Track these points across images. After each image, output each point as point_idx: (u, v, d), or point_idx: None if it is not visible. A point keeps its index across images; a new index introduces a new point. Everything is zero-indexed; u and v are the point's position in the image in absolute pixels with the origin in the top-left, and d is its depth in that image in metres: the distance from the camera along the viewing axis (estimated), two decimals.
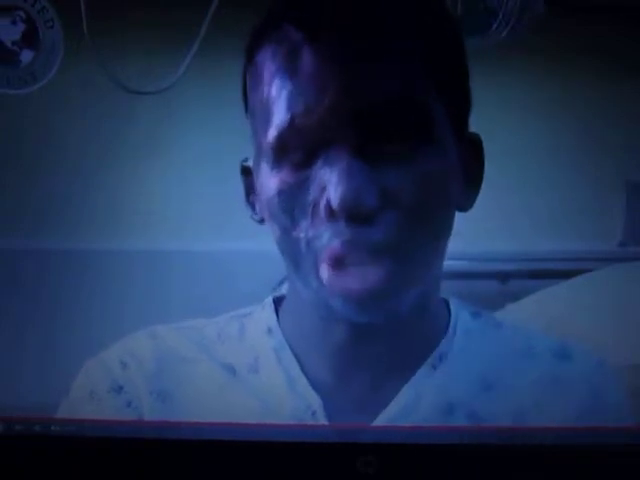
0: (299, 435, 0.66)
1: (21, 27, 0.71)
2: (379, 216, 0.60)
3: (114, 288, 0.76)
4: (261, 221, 0.67)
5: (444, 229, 0.65)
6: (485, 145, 0.69)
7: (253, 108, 0.65)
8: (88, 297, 0.76)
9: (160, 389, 0.69)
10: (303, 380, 0.67)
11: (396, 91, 0.60)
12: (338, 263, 0.61)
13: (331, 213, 0.60)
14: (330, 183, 0.60)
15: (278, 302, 0.71)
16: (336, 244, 0.61)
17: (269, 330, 0.70)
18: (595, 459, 0.66)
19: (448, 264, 0.82)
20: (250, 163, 0.67)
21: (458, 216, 0.71)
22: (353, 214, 0.60)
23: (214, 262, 0.76)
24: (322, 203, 0.61)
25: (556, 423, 0.67)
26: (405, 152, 0.61)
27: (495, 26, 0.72)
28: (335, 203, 0.59)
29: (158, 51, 0.75)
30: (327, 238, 0.61)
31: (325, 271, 0.61)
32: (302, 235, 0.62)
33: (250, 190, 0.68)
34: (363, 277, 0.61)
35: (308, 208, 0.62)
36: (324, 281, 0.62)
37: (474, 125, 0.69)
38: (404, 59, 0.61)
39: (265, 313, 0.71)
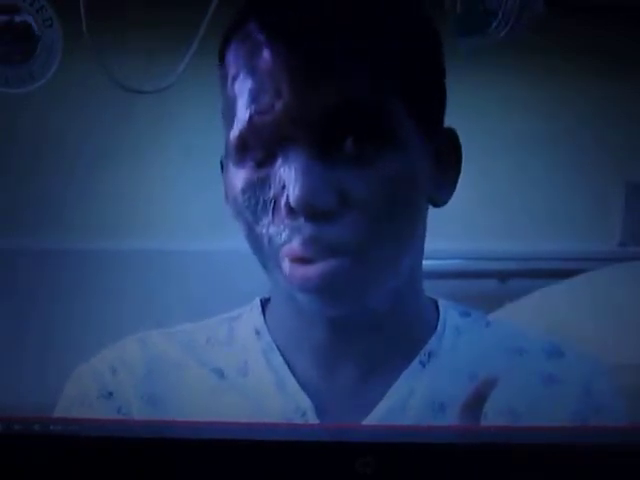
0: (297, 435, 0.66)
1: (20, 26, 0.71)
2: (338, 215, 0.61)
3: (112, 287, 0.76)
4: None
5: (408, 228, 0.65)
6: (484, 145, 0.69)
7: (223, 107, 0.66)
8: (85, 296, 0.76)
9: (150, 394, 0.69)
10: (292, 381, 0.68)
11: (350, 98, 0.61)
12: (298, 259, 0.61)
13: (290, 210, 0.61)
14: (289, 181, 0.60)
15: (265, 303, 0.72)
16: (296, 241, 0.61)
17: (257, 332, 0.70)
18: (595, 459, 0.66)
19: (448, 264, 0.82)
20: None
21: (459, 216, 0.71)
22: (311, 212, 0.60)
23: (212, 262, 0.76)
24: (282, 201, 0.62)
25: (549, 420, 0.67)
26: (363, 154, 0.61)
27: (494, 26, 0.72)
28: (293, 201, 0.60)
29: (158, 50, 0.75)
30: (287, 235, 0.62)
31: (287, 266, 0.62)
32: (264, 231, 0.63)
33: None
34: (322, 273, 0.61)
35: (269, 205, 0.62)
36: (286, 276, 0.62)
37: (473, 124, 0.69)
38: (361, 66, 0.61)
39: (252, 315, 0.71)
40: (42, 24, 0.71)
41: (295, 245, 0.62)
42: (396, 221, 0.63)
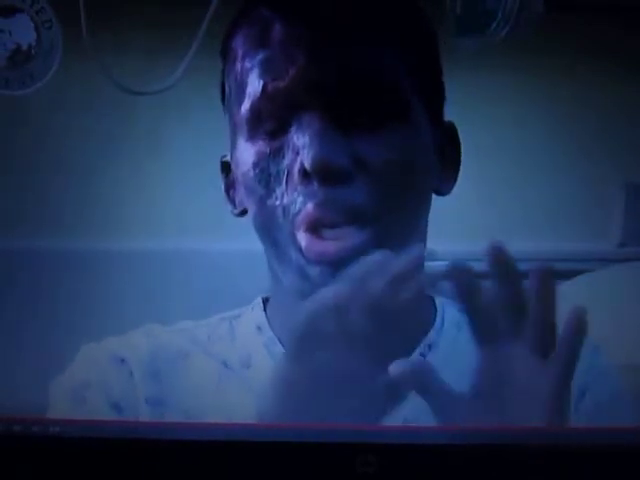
0: (298, 435, 0.66)
1: (19, 28, 0.71)
2: (352, 179, 0.62)
3: (112, 288, 0.76)
4: (240, 214, 0.68)
5: (419, 206, 0.66)
6: (484, 145, 0.70)
7: (229, 94, 0.66)
8: (85, 297, 0.76)
9: (156, 374, 0.69)
10: None
11: (364, 66, 0.63)
12: (314, 227, 0.62)
13: (305, 175, 0.62)
14: (303, 146, 0.62)
15: (266, 301, 0.72)
16: (310, 206, 0.62)
17: (258, 328, 0.70)
18: (595, 459, 0.66)
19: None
20: (228, 157, 0.69)
21: (458, 217, 0.71)
22: (326, 174, 0.61)
23: (212, 262, 0.76)
24: (296, 167, 0.63)
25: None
26: (376, 122, 0.63)
27: (494, 26, 0.72)
28: (308, 163, 0.61)
29: (158, 51, 0.75)
30: (301, 202, 0.63)
31: (302, 237, 0.63)
32: (277, 203, 0.64)
33: (229, 185, 0.70)
34: (339, 241, 0.62)
35: (283, 175, 0.63)
36: (302, 248, 0.63)
37: (473, 124, 0.69)
38: (375, 38, 0.63)
39: (254, 313, 0.71)
40: (42, 25, 0.71)
41: (309, 209, 0.62)
42: (406, 194, 0.65)
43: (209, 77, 0.71)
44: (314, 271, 0.63)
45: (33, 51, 0.71)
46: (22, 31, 0.71)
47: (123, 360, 0.69)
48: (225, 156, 0.70)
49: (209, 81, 0.71)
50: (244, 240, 0.68)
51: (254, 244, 0.68)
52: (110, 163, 0.76)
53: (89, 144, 0.77)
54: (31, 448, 0.66)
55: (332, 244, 0.62)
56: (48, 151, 0.77)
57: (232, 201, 0.70)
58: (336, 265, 0.62)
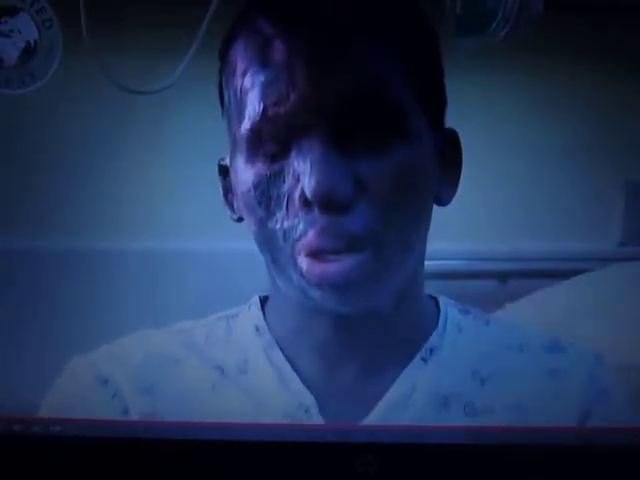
0: (298, 435, 0.66)
1: (20, 27, 0.71)
2: (353, 205, 0.61)
3: (112, 288, 0.76)
4: (239, 220, 0.68)
5: (420, 220, 0.66)
6: (485, 145, 0.70)
7: (228, 104, 0.66)
8: (85, 297, 0.76)
9: (148, 387, 0.69)
10: (295, 378, 0.68)
11: (365, 84, 0.62)
12: (315, 253, 0.62)
13: (305, 203, 0.61)
14: (304, 173, 0.61)
15: (264, 301, 0.71)
16: (311, 234, 0.61)
17: (257, 329, 0.70)
18: (595, 459, 0.66)
19: (448, 264, 0.82)
20: (227, 161, 0.68)
21: (459, 217, 0.71)
22: (327, 203, 0.60)
23: (211, 262, 0.76)
24: (297, 193, 0.62)
25: (555, 411, 0.68)
26: (377, 143, 0.62)
27: (494, 26, 0.72)
28: (309, 192, 0.60)
29: (157, 51, 0.75)
30: (302, 228, 0.62)
31: (303, 262, 0.62)
32: (278, 227, 0.63)
33: (228, 189, 0.69)
34: (340, 266, 0.61)
35: (283, 199, 0.62)
36: (303, 272, 0.62)
37: (473, 124, 0.69)
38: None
39: (252, 312, 0.71)
40: (42, 25, 0.71)
41: (310, 237, 0.61)
42: (408, 212, 0.64)
43: (209, 77, 0.71)
44: (316, 293, 0.63)
45: (33, 50, 0.71)
46: (24, 30, 0.71)
47: (107, 381, 0.69)
48: (223, 159, 0.69)
49: (209, 81, 0.71)
50: (243, 240, 0.68)
51: (253, 244, 0.68)
52: (110, 163, 0.76)
53: (89, 144, 0.77)
54: (31, 448, 0.67)
55: (332, 265, 0.62)
56: (48, 151, 0.76)
57: (230, 205, 0.69)
58: (337, 286, 0.62)
